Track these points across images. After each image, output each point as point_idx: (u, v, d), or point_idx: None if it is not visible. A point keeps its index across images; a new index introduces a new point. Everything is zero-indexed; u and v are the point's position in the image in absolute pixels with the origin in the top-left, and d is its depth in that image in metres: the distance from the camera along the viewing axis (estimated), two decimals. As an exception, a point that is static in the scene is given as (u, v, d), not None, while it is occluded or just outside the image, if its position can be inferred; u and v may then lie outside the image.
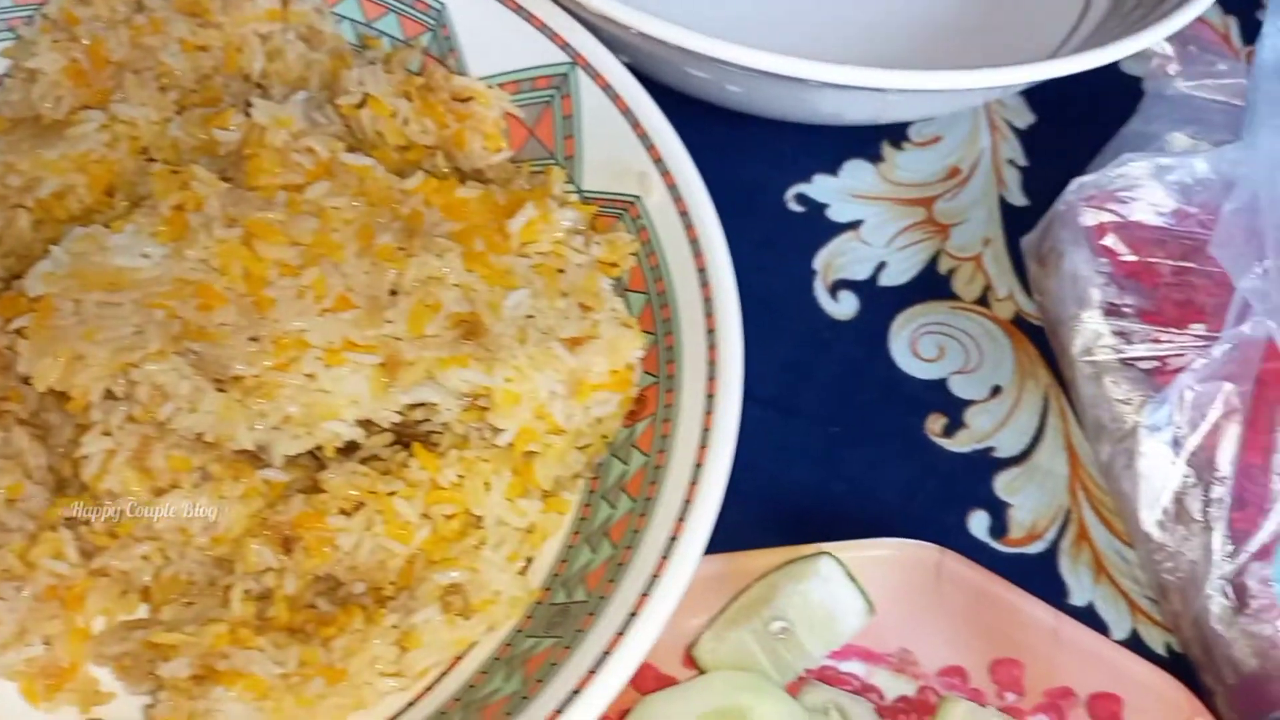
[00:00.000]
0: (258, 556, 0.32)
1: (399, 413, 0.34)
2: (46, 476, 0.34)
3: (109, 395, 0.31)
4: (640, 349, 0.35)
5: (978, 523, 0.40)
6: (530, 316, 0.33)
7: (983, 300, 0.45)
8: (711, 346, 0.34)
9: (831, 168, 0.48)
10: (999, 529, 0.40)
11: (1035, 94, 0.51)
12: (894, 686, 0.36)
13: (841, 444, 0.41)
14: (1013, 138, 0.50)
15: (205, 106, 0.39)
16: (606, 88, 0.39)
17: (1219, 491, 0.35)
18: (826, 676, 0.36)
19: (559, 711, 0.27)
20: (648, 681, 0.35)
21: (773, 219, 0.47)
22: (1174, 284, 0.39)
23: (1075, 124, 0.50)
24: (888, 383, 0.43)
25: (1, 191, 0.37)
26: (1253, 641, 0.34)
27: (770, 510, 0.40)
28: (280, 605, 0.32)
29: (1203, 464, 0.36)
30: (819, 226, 0.47)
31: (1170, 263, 0.39)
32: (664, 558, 0.29)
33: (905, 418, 0.42)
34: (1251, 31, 0.55)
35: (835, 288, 0.45)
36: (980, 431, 0.42)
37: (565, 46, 0.40)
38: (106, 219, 0.36)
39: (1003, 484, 0.41)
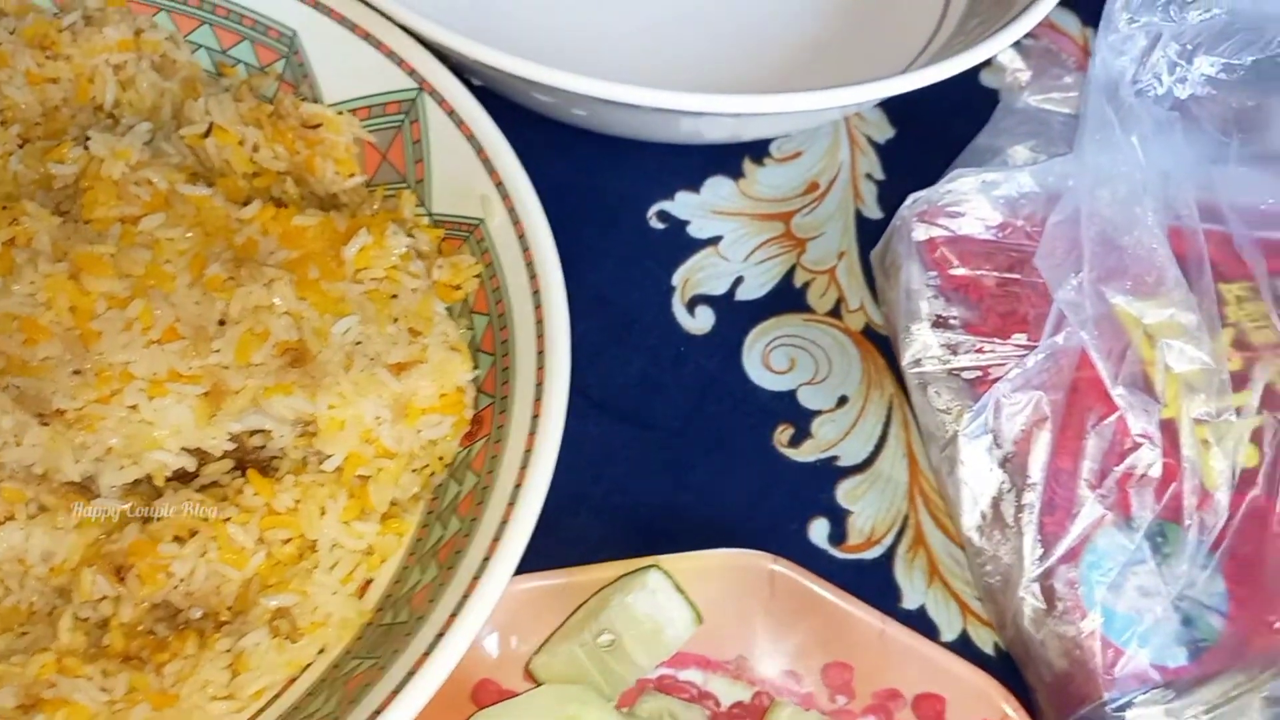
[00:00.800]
0: (93, 585, 0.33)
1: (234, 440, 0.34)
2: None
3: (-65, 431, 0.32)
4: (468, 373, 0.36)
5: (818, 530, 0.41)
6: (358, 343, 0.34)
7: (835, 312, 0.47)
8: (540, 368, 0.35)
9: (694, 184, 0.49)
10: (838, 536, 0.41)
11: (895, 108, 0.53)
12: (730, 693, 0.37)
13: (691, 456, 0.43)
14: (871, 152, 0.52)
15: (50, 139, 0.39)
16: (451, 113, 0.40)
17: (1030, 497, 0.37)
18: (665, 685, 0.37)
19: (361, 731, 0.28)
20: (490, 698, 0.36)
21: (635, 236, 0.48)
22: (999, 296, 0.41)
23: (933, 138, 0.52)
24: (740, 395, 0.44)
25: None
26: (1061, 642, 0.36)
27: (619, 521, 0.41)
28: (115, 633, 0.33)
29: (1016, 470, 0.37)
30: (680, 243, 0.48)
31: (996, 275, 0.41)
32: (476, 578, 0.30)
33: (754, 429, 0.43)
34: (1107, 45, 0.57)
35: (693, 303, 0.46)
36: (825, 441, 0.43)
37: (412, 73, 0.41)
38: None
39: (844, 492, 0.42)
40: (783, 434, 0.43)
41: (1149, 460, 0.36)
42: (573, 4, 0.51)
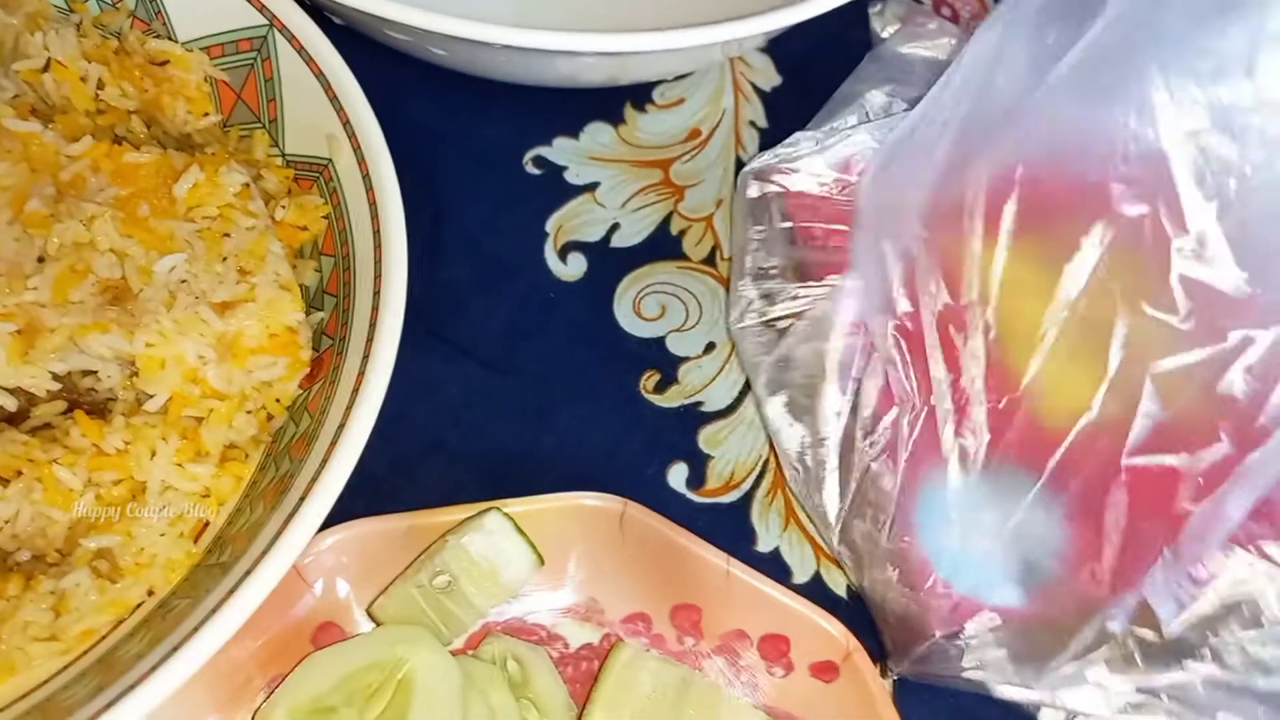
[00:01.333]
0: (-86, 527, 0.32)
1: (62, 381, 0.34)
2: None
3: None
4: (297, 312, 0.35)
5: (676, 474, 0.41)
6: (183, 281, 0.33)
7: (710, 260, 0.46)
8: (375, 309, 0.34)
9: (573, 130, 0.49)
10: (696, 480, 0.41)
11: (783, 56, 0.52)
12: (579, 635, 0.37)
13: (555, 401, 0.42)
14: (756, 99, 0.51)
15: (-124, 72, 0.38)
16: (301, 50, 0.39)
17: (829, 447, 0.37)
18: (513, 628, 0.37)
19: (155, 668, 0.27)
20: (332, 640, 0.36)
21: (510, 181, 0.47)
22: (822, 246, 0.40)
23: (819, 87, 0.51)
24: (609, 342, 0.44)
25: None
26: (900, 583, 0.36)
27: (477, 467, 0.40)
28: (-62, 576, 0.32)
29: (813, 420, 0.37)
30: (556, 189, 0.47)
31: (822, 226, 0.41)
32: (289, 517, 0.30)
33: (622, 376, 0.43)
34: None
35: (565, 250, 0.46)
36: (690, 387, 0.43)
37: (263, 9, 0.40)
38: None
39: (706, 437, 0.42)
40: (649, 380, 0.43)
41: (974, 395, 0.36)
42: None
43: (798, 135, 0.42)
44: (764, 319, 0.39)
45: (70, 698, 0.29)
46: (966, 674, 0.35)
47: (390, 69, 0.43)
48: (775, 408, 0.38)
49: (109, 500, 0.33)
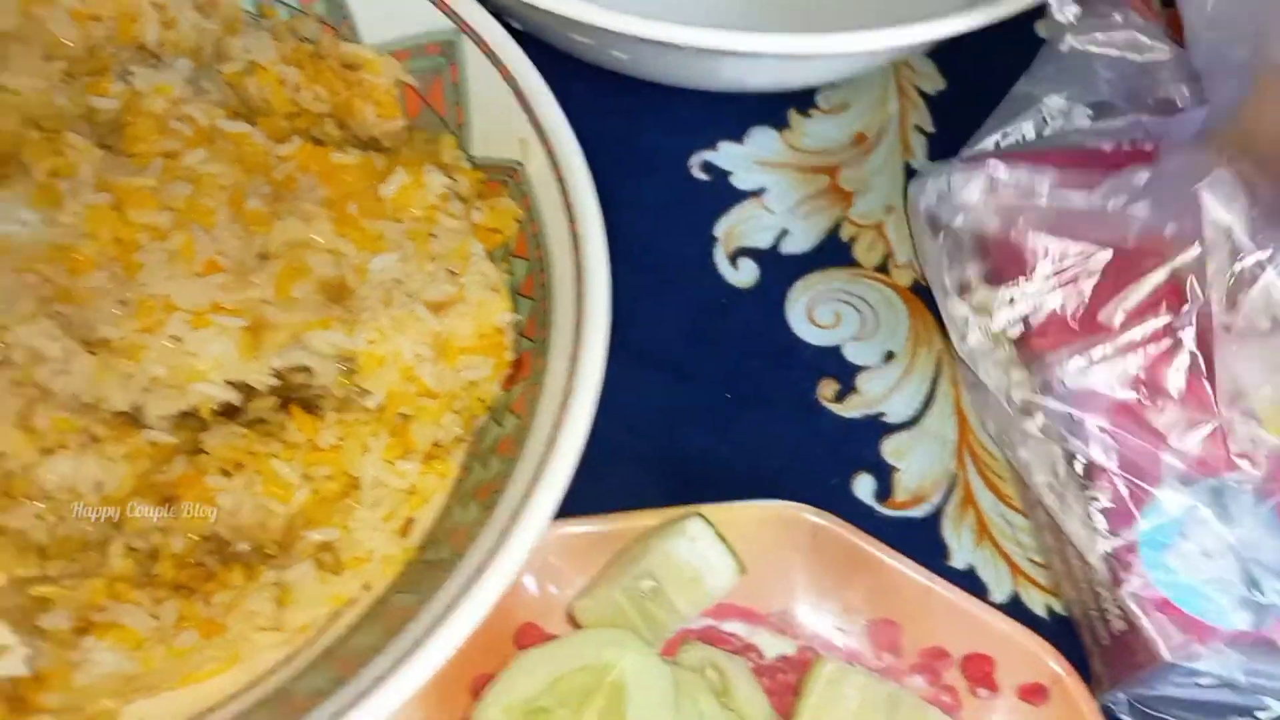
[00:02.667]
0: (142, 516, 0.33)
1: (278, 376, 0.34)
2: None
3: (-14, 359, 0.32)
4: (506, 313, 0.35)
5: (863, 486, 0.40)
6: (397, 280, 0.34)
7: (883, 267, 0.46)
8: (580, 312, 0.34)
9: (737, 135, 0.48)
10: (884, 492, 0.40)
11: (946, 60, 0.51)
12: (774, 646, 0.37)
13: (733, 408, 0.42)
14: (922, 105, 0.50)
15: (93, 76, 0.39)
16: (490, 54, 0.40)
17: (1096, 460, 0.35)
18: (708, 636, 0.37)
19: (400, 662, 0.27)
20: (532, 640, 0.35)
21: (677, 186, 0.47)
22: (1012, 249, 0.39)
23: (986, 91, 0.50)
24: (783, 349, 0.43)
25: (-111, 161, 0.37)
26: (1120, 605, 0.35)
27: (660, 472, 0.40)
28: (166, 563, 0.33)
29: (1081, 437, 0.36)
30: (722, 194, 0.47)
31: (1008, 230, 0.39)
32: (514, 516, 0.30)
33: (798, 383, 0.43)
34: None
35: (736, 255, 0.45)
36: (871, 397, 0.42)
37: (451, 14, 0.41)
38: (-5, 187, 0.37)
39: (890, 448, 0.41)
40: (827, 389, 0.42)
41: (1210, 422, 0.34)
42: None
43: (975, 141, 0.41)
44: (989, 333, 0.38)
45: (305, 689, 0.30)
46: (1187, 701, 0.34)
47: (560, 75, 0.43)
48: (1031, 427, 0.36)
49: (324, 495, 0.34)
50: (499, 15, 0.41)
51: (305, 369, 0.34)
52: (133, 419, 0.33)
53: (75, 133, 0.36)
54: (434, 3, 0.40)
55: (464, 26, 0.40)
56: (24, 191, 0.34)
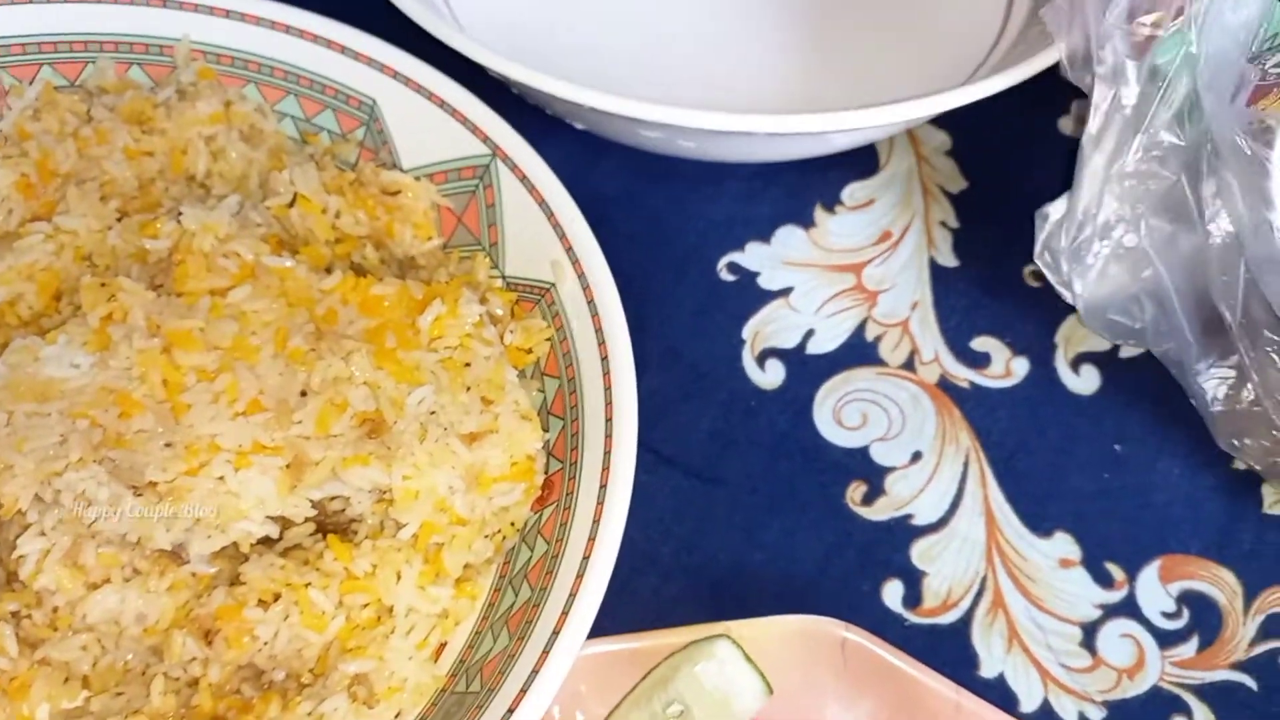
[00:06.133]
0: (182, 647, 0.34)
1: (314, 505, 0.36)
2: (-7, 573, 0.36)
3: (39, 500, 0.34)
4: (538, 441, 0.36)
5: (892, 592, 0.41)
6: (432, 412, 0.35)
7: (909, 364, 0.46)
8: (608, 436, 0.35)
9: (765, 235, 0.49)
10: (913, 599, 0.40)
11: (965, 158, 0.52)
12: (803, 760, 0.37)
13: (762, 513, 0.42)
14: (944, 200, 0.51)
15: (145, 212, 0.41)
16: (524, 179, 0.41)
17: None
18: (737, 751, 0.37)
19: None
20: (563, 759, 0.36)
21: (706, 288, 0.48)
22: None
23: (1007, 190, 0.51)
24: (811, 451, 0.44)
25: (-43, 300, 0.40)
26: None
27: (689, 581, 0.41)
28: (204, 694, 0.34)
29: None
30: (750, 294, 0.48)
31: None
32: (545, 652, 0.31)
33: (826, 487, 0.43)
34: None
35: (763, 356, 0.46)
36: (899, 499, 0.43)
37: (486, 139, 0.42)
38: (53, 324, 0.39)
39: (919, 551, 0.41)
40: (855, 491, 0.43)
41: None
42: (627, 29, 0.53)
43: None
44: None
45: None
46: None
47: (586, 183, 0.45)
48: None
49: (358, 623, 0.35)
50: (559, 121, 0.43)
51: (340, 496, 0.36)
52: (174, 554, 0.35)
53: (127, 273, 0.38)
54: (470, 129, 0.42)
55: (499, 151, 0.42)
56: (78, 336, 0.36)
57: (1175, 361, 0.42)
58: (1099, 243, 0.41)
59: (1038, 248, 0.42)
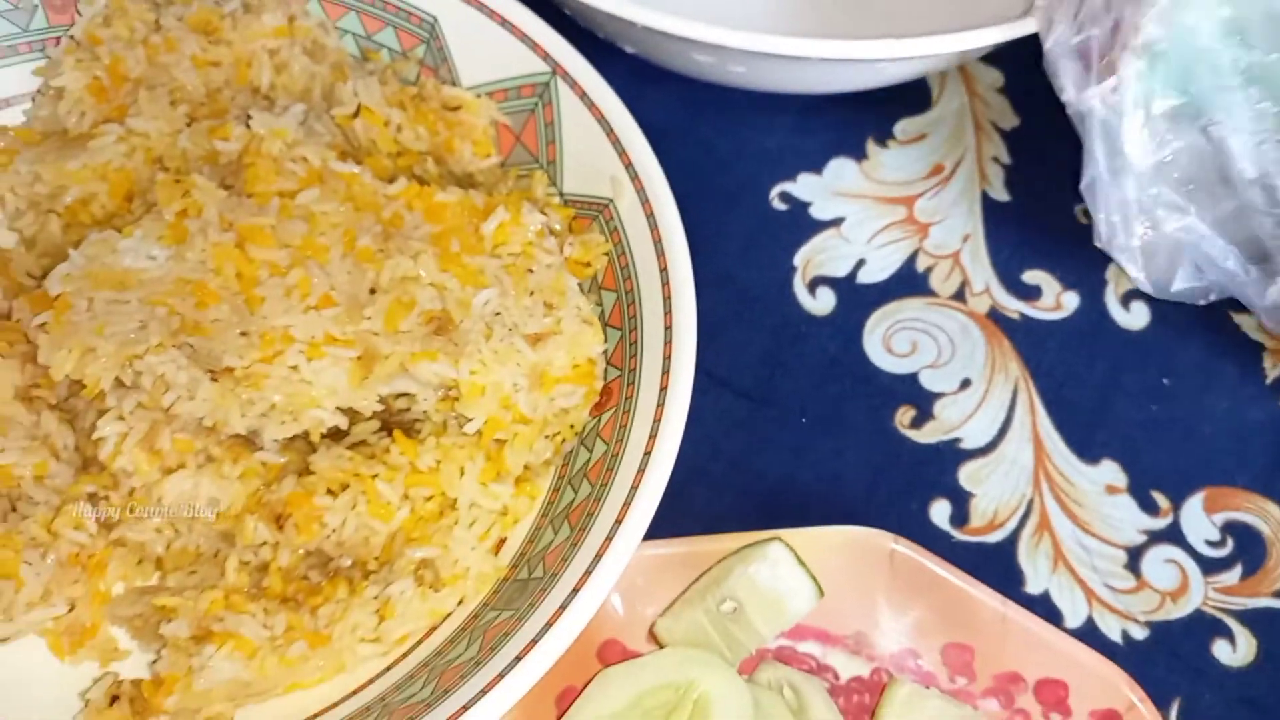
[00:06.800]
0: (254, 531, 0.35)
1: (381, 401, 0.36)
2: (73, 456, 0.37)
3: (119, 384, 0.35)
4: (600, 345, 0.37)
5: (939, 511, 0.41)
6: (497, 313, 0.36)
7: (959, 295, 0.46)
8: (668, 343, 0.36)
9: (817, 166, 0.50)
10: (960, 517, 0.41)
11: (1018, 97, 0.52)
12: (849, 667, 0.38)
13: (812, 434, 0.43)
14: (997, 137, 0.51)
15: (213, 119, 0.42)
16: (583, 96, 0.42)
17: None
18: (784, 656, 0.38)
19: (502, 675, 0.29)
20: (615, 656, 0.37)
21: (758, 216, 0.48)
22: None
23: (1059, 127, 0.51)
24: (860, 376, 0.44)
25: (33, 199, 0.41)
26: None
27: (740, 495, 0.42)
28: (275, 576, 0.35)
29: None
30: (802, 224, 0.48)
31: None
32: (608, 539, 0.32)
33: (876, 410, 0.44)
34: None
35: (814, 284, 0.47)
36: (948, 423, 0.43)
37: (546, 57, 0.43)
38: (125, 223, 0.40)
39: (967, 474, 0.42)
40: (904, 415, 0.43)
41: None
42: None
43: None
44: None
45: (402, 698, 0.32)
46: None
47: (642, 111, 0.45)
48: None
49: (422, 515, 0.36)
50: (611, 43, 0.43)
51: (408, 395, 0.37)
52: (247, 441, 0.36)
53: (199, 174, 0.39)
54: (530, 47, 0.43)
55: (559, 69, 0.42)
56: (154, 229, 0.37)
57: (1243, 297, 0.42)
58: (1146, 230, 0.42)
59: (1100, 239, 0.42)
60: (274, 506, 0.35)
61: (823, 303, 0.46)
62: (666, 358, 0.36)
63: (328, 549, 0.36)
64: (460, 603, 0.35)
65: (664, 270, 0.38)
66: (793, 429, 0.43)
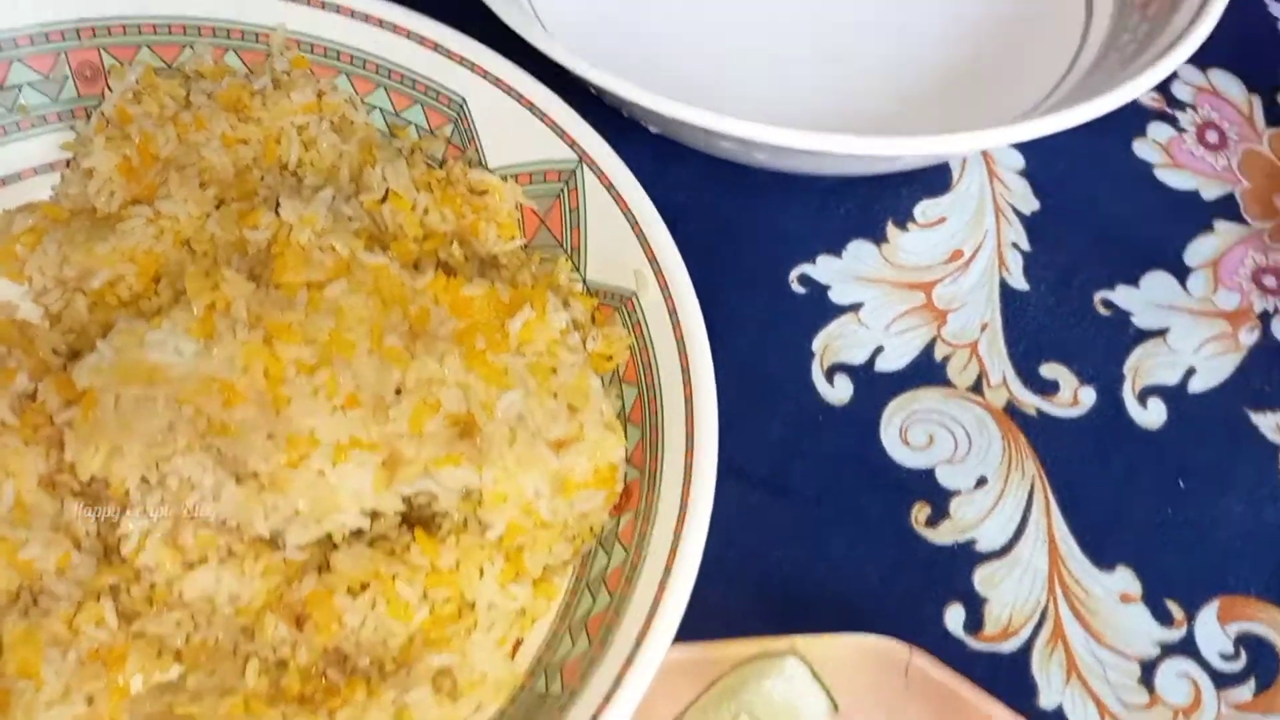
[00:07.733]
0: (274, 630, 0.36)
1: (404, 500, 0.37)
2: (95, 545, 0.37)
3: (144, 481, 0.35)
4: (621, 450, 0.37)
5: (953, 616, 0.41)
6: (521, 417, 0.36)
7: (976, 388, 0.46)
8: (689, 450, 0.36)
9: (836, 248, 0.50)
10: (974, 623, 0.41)
11: (1038, 179, 0.52)
12: (861, 776, 0.38)
13: (827, 527, 0.43)
14: (1016, 221, 0.51)
15: (240, 199, 0.42)
16: (609, 186, 0.42)
17: None
18: (796, 762, 0.38)
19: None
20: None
21: (777, 299, 0.49)
22: None
23: (1080, 212, 0.51)
24: (877, 469, 0.44)
25: (60, 278, 0.41)
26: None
27: (754, 590, 0.42)
28: (293, 675, 0.35)
29: None
30: (820, 307, 0.48)
31: None
32: (629, 660, 0.32)
33: (892, 505, 0.44)
34: (1275, 112, 0.55)
35: (832, 371, 0.47)
36: (964, 523, 0.43)
37: (574, 144, 0.43)
38: (151, 306, 0.40)
39: (981, 577, 0.42)
40: (920, 512, 0.44)
41: None
42: (714, 45, 0.53)
43: None
44: None
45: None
46: None
47: (661, 191, 0.45)
48: None
49: (441, 616, 0.36)
50: (635, 125, 0.44)
51: (428, 493, 0.37)
52: (270, 541, 0.36)
53: (227, 261, 0.39)
54: (558, 134, 0.43)
55: (586, 158, 0.42)
56: (182, 322, 0.37)
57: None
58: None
59: None
60: (293, 605, 0.35)
61: (841, 391, 0.46)
62: (688, 465, 0.36)
63: (347, 648, 0.36)
64: (477, 709, 0.35)
65: (686, 369, 0.38)
66: (809, 521, 0.43)
